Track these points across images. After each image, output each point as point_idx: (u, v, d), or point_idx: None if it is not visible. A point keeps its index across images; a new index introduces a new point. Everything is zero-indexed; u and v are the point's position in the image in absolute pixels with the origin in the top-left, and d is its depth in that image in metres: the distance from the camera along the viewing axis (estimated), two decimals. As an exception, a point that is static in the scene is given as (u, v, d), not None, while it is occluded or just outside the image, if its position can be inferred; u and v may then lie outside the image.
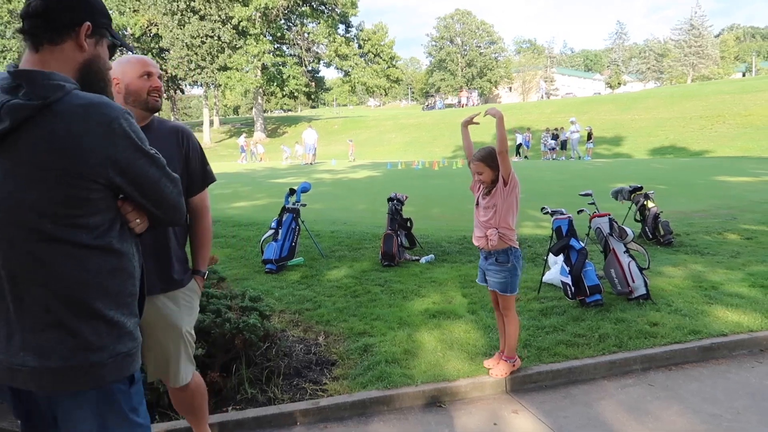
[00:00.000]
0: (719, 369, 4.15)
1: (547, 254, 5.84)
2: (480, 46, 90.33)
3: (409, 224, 7.33)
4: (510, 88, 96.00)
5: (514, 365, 3.94)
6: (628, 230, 5.59)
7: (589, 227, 5.86)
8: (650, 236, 7.70)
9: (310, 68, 55.75)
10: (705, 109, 37.08)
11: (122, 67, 2.59)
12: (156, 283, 2.52)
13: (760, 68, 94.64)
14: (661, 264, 6.48)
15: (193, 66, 48.13)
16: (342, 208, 11.71)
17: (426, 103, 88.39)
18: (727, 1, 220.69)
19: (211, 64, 47.97)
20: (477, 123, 4.16)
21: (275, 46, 52.40)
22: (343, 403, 3.64)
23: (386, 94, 70.58)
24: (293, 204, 7.31)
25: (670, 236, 7.54)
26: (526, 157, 31.18)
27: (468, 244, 7.72)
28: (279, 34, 51.78)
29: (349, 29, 55.86)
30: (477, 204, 3.99)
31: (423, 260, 6.98)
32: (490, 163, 3.88)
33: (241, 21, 46.18)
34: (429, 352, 4.30)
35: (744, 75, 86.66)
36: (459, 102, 79.22)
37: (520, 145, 31.59)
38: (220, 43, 47.32)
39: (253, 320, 3.91)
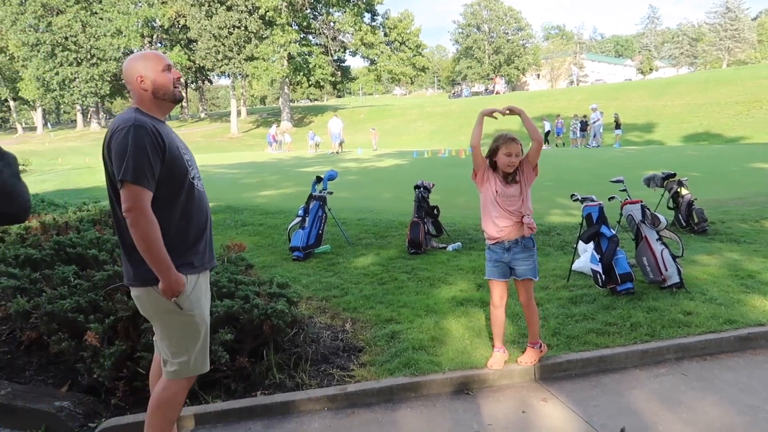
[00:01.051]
0: (756, 359, 4.04)
1: (577, 242, 5.75)
2: (507, 33, 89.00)
3: (435, 212, 7.28)
4: (538, 75, 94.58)
5: (541, 350, 3.90)
6: (662, 217, 5.46)
7: (621, 214, 5.75)
8: (684, 224, 7.51)
9: (335, 57, 55.75)
10: (741, 95, 36.00)
11: (143, 64, 2.58)
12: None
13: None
14: (695, 252, 6.32)
15: (220, 56, 48.52)
16: (368, 197, 11.70)
17: (452, 91, 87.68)
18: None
19: (238, 54, 48.30)
20: (496, 117, 4.05)
21: (301, 36, 52.49)
22: (370, 389, 3.64)
23: (412, 83, 70.17)
24: (320, 192, 7.32)
25: (704, 224, 7.35)
26: (556, 144, 30.66)
27: (495, 232, 7.65)
28: (305, 24, 51.85)
29: (375, 18, 55.58)
30: (495, 193, 3.77)
31: (450, 248, 6.94)
32: (521, 147, 3.79)
33: (267, 11, 46.33)
34: (456, 340, 4.27)
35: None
36: (487, 89, 78.44)
37: (549, 132, 31.11)
38: (246, 33, 47.60)
39: (281, 306, 3.94)
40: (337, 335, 4.52)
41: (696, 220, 7.36)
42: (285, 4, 47.44)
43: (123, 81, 2.72)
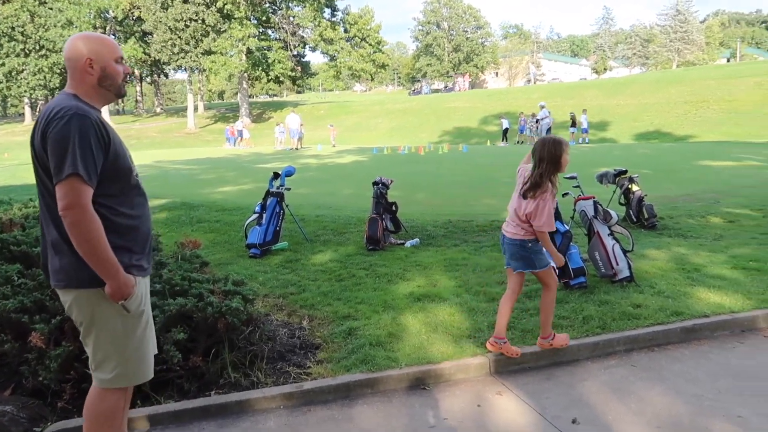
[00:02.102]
0: (701, 350, 4.19)
1: (532, 237, 5.83)
2: (467, 31, 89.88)
3: (394, 208, 7.29)
4: (497, 74, 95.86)
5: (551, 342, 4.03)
6: (613, 213, 5.60)
7: (574, 210, 5.87)
8: (634, 219, 7.74)
9: (295, 52, 55.16)
10: (690, 95, 37.33)
11: (96, 47, 2.37)
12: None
13: (745, 54, 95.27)
14: (645, 247, 6.52)
15: (176, 50, 47.36)
16: (327, 193, 11.65)
17: (413, 88, 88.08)
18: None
19: (195, 48, 47.28)
20: None
21: (260, 30, 51.75)
22: (327, 386, 3.62)
23: (372, 79, 70.03)
24: (277, 188, 7.23)
25: (654, 219, 7.59)
26: (517, 142, 31.09)
27: (453, 228, 7.73)
28: (264, 18, 51.10)
29: (335, 13, 55.23)
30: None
31: (408, 244, 6.96)
32: None
33: (225, 4, 45.46)
34: (413, 335, 4.29)
35: (728, 61, 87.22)
36: (447, 87, 79.13)
37: (507, 129, 31.58)
38: (204, 26, 46.60)
39: (236, 304, 3.87)
40: (294, 332, 4.48)
41: (646, 216, 7.59)
42: (243, -3, 46.70)
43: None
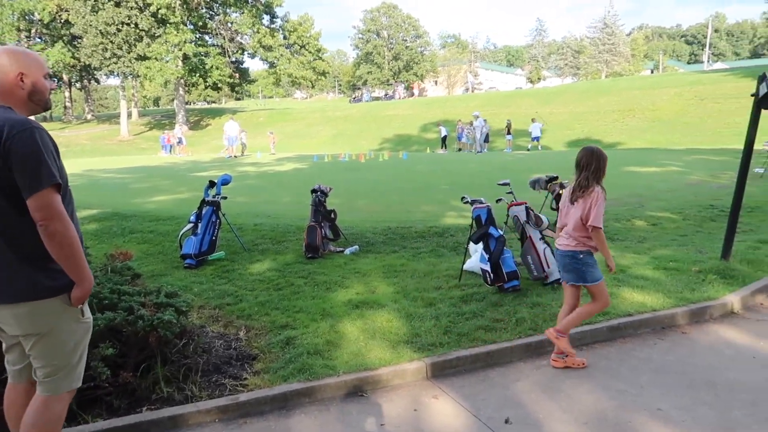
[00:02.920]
0: (626, 347, 4.40)
1: (468, 243, 5.98)
2: (406, 40, 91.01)
3: (333, 216, 7.29)
4: (436, 82, 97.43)
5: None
6: (544, 218, 5.81)
7: (507, 215, 6.04)
8: (565, 224, 8.02)
9: (234, 59, 54.26)
10: (617, 104, 39.10)
11: (26, 61, 2.43)
12: None
13: (667, 66, 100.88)
14: (574, 250, 6.77)
15: (108, 55, 45.61)
16: (266, 201, 11.51)
17: (353, 96, 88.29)
18: (637, 1, 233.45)
19: (129, 53, 45.69)
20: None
21: (197, 36, 50.55)
22: (263, 397, 3.58)
23: (313, 87, 69.67)
24: (213, 196, 7.10)
25: (583, 223, 7.89)
26: (459, 149, 31.59)
27: (392, 235, 7.80)
28: (201, 23, 49.97)
29: (274, 20, 54.73)
30: None
31: (347, 251, 6.97)
32: None
33: (159, 8, 44.22)
34: (351, 342, 4.30)
35: (652, 72, 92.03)
36: (387, 94, 79.82)
37: (445, 137, 32.14)
38: (137, 31, 45.11)
39: (169, 316, 3.77)
40: (230, 344, 4.41)
41: (576, 220, 7.88)
42: (179, 2, 45.54)
43: None
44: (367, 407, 3.60)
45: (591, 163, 3.93)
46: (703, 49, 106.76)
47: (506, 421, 3.36)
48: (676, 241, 7.27)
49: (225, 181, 7.43)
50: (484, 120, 29.46)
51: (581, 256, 3.96)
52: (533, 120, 30.73)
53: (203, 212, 6.83)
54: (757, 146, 10.43)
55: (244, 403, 3.53)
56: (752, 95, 5.61)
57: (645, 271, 5.85)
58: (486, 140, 29.86)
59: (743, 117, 5.76)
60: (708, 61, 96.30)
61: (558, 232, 4.17)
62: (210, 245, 6.67)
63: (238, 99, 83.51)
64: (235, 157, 28.76)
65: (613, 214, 9.05)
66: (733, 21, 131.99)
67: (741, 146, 5.98)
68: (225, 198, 7.27)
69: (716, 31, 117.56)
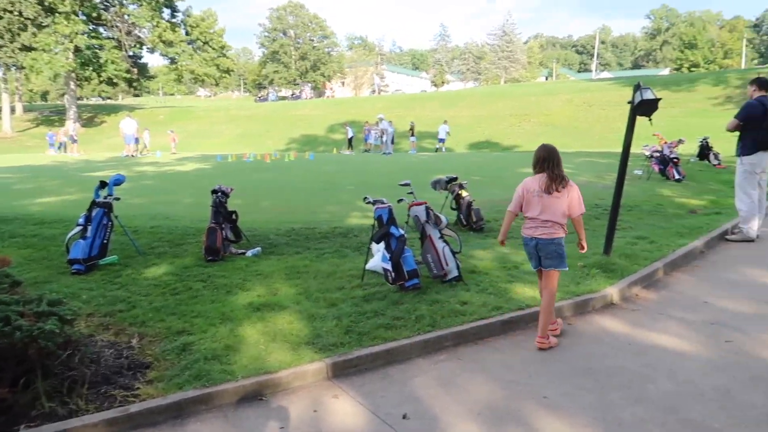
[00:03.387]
0: (517, 339, 4.63)
1: (370, 242, 6.05)
2: (313, 40, 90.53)
3: (234, 217, 7.12)
4: (343, 83, 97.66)
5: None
6: (443, 217, 6.00)
7: (408, 215, 6.17)
8: (464, 223, 8.34)
9: (131, 53, 51.49)
10: (515, 109, 41.09)
11: None
12: None
13: (560, 74, 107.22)
14: (472, 248, 7.05)
15: (-13, 43, 41.91)
16: (165, 202, 11.03)
17: (259, 95, 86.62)
18: (533, 11, 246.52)
19: (11, 42, 42.13)
20: None
21: (90, 27, 47.46)
22: (156, 407, 3.44)
23: (217, 84, 67.60)
24: (105, 198, 6.71)
25: (481, 222, 8.23)
26: (366, 150, 31.78)
27: (296, 236, 7.74)
28: (95, 14, 46.95)
29: (175, 14, 52.50)
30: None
31: (249, 253, 6.84)
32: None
33: (46, -4, 41.17)
34: (251, 346, 4.23)
35: (546, 79, 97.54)
36: (293, 94, 79.03)
37: (352, 138, 32.32)
38: (21, 19, 41.66)
39: (51, 326, 3.54)
40: (121, 353, 4.20)
41: (474, 219, 8.22)
42: (69, -10, 42.55)
43: None
44: (266, 411, 3.56)
45: (554, 158, 4.42)
46: (591, 59, 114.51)
47: (404, 417, 3.44)
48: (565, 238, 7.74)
49: (118, 182, 7.04)
50: (389, 122, 29.98)
51: (562, 242, 4.43)
52: (445, 122, 31.67)
53: (93, 214, 6.44)
54: (636, 150, 11.33)
55: (135, 414, 3.38)
56: (629, 102, 6.09)
57: (536, 267, 6.17)
58: (393, 142, 30.35)
59: (625, 123, 6.24)
60: (596, 71, 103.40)
61: (530, 223, 4.50)
62: (101, 249, 6.31)
63: (137, 95, 79.38)
64: (133, 156, 27.33)
65: (510, 214, 9.48)
66: (617, 34, 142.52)
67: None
68: (118, 199, 6.89)
69: (603, 42, 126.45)
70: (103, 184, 6.89)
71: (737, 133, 7.53)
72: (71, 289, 5.46)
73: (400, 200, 6.31)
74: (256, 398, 3.70)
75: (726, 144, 16.70)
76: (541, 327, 4.42)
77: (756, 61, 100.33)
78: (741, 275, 6.17)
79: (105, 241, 6.40)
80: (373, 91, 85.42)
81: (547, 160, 4.42)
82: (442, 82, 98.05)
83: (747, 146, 7.42)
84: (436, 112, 42.95)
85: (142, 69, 54.50)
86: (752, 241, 7.49)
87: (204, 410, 3.55)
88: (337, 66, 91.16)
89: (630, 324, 4.90)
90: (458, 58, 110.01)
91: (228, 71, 59.48)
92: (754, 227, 7.51)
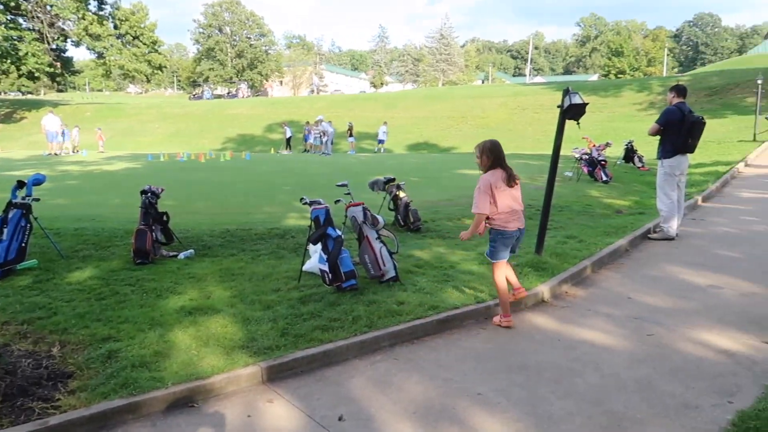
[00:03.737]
0: (452, 338, 4.70)
1: (307, 243, 5.99)
2: (250, 38, 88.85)
3: (165, 218, 6.88)
4: (281, 82, 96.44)
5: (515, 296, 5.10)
6: (380, 218, 6.01)
7: (346, 216, 6.15)
8: (402, 223, 8.39)
9: (54, 46, 48.97)
10: (452, 111, 41.79)
11: None
12: None
13: (495, 77, 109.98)
14: (410, 248, 7.10)
15: None
16: (92, 203, 10.54)
17: (193, 93, 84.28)
18: (470, 15, 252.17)
19: None
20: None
21: (8, 18, 44.80)
22: (78, 419, 3.27)
23: (149, 81, 65.27)
24: (23, 198, 6.33)
25: (418, 223, 8.31)
26: (306, 150, 31.41)
27: (231, 238, 7.56)
28: (12, 4, 44.32)
29: (103, 6, 50.39)
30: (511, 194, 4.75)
31: (181, 256, 6.63)
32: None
33: (-42, -18, 38.56)
34: (183, 351, 4.09)
35: (483, 82, 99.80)
36: (229, 93, 77.37)
37: (290, 138, 31.96)
38: (-72, 6, 38.92)
39: (-41, 336, 3.29)
40: (40, 362, 3.96)
41: (412, 220, 8.28)
42: (-17, -23, 40.02)
43: None
44: (197, 418, 3.45)
45: (503, 153, 4.77)
46: (525, 64, 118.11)
47: (339, 419, 3.42)
48: (499, 238, 7.92)
49: (37, 181, 6.66)
50: (329, 122, 29.88)
51: None
52: (385, 123, 31.84)
53: (9, 216, 6.06)
54: (567, 152, 11.73)
55: (54, 426, 3.19)
56: (558, 107, 6.30)
57: (471, 266, 6.29)
58: (332, 142, 30.21)
59: (556, 126, 6.45)
60: (529, 75, 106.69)
61: (511, 216, 4.78)
62: (18, 253, 5.94)
63: (60, 90, 75.55)
64: (56, 154, 25.99)
65: (447, 214, 9.63)
66: (550, 40, 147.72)
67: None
68: (37, 200, 6.51)
69: (536, 48, 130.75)
70: (21, 184, 6.50)
71: (658, 137, 7.94)
72: (-15, 296, 5.12)
73: (337, 201, 6.28)
74: (187, 405, 3.58)
75: (649, 147, 17.59)
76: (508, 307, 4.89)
77: (676, 69, 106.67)
78: (662, 272, 6.50)
79: (23, 245, 6.04)
80: (312, 91, 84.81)
81: (500, 156, 4.73)
82: (382, 84, 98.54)
83: (667, 150, 7.83)
84: (376, 113, 43.11)
85: (67, 63, 51.98)
86: (672, 239, 7.91)
87: (131, 419, 3.40)
88: (275, 65, 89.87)
89: (560, 320, 5.06)
90: (397, 60, 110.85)
91: (160, 67, 57.65)
92: (673, 226, 7.93)
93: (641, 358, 4.22)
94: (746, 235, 8.17)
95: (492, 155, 4.70)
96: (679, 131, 7.64)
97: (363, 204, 6.02)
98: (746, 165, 16.14)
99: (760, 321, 4.85)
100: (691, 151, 7.87)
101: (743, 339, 4.48)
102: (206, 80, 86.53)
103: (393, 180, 8.73)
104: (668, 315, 5.09)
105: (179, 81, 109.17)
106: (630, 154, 17.61)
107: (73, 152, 28.14)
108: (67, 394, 3.57)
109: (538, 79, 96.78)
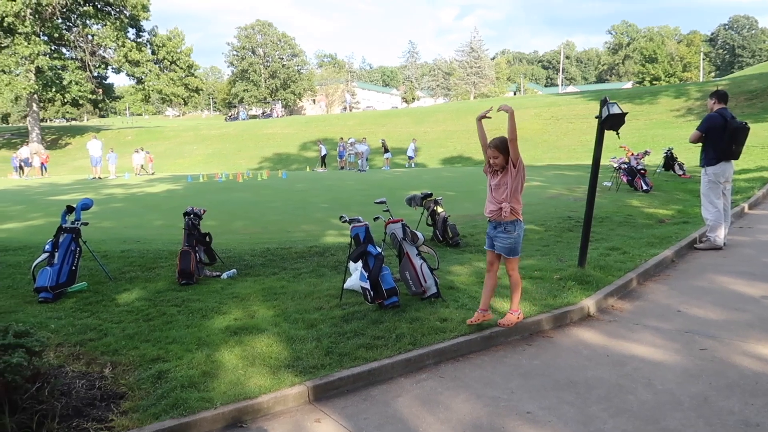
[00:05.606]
0: (498, 355, 4.63)
1: (347, 261, 6.01)
2: (282, 58, 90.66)
3: (208, 239, 7.01)
4: (314, 101, 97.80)
5: (519, 317, 4.87)
6: (419, 234, 6.00)
7: (385, 233, 6.17)
8: (440, 239, 8.36)
9: (96, 74, 50.82)
10: (485, 123, 41.50)
11: None
12: None
13: (527, 88, 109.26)
14: (450, 264, 7.06)
15: (-56, 66, 40.91)
16: (135, 226, 10.83)
17: (229, 114, 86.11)
18: (498, 29, 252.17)
19: (-30, 64, 41.26)
20: (489, 117, 5.03)
21: (52, 48, 46.73)
22: (132, 439, 3.33)
23: (186, 104, 67.04)
24: (72, 223, 6.54)
25: (457, 238, 8.27)
26: (340, 168, 31.71)
27: (271, 257, 7.65)
28: (56, 35, 46.25)
29: (141, 34, 52.15)
30: (489, 183, 4.80)
31: (224, 276, 6.73)
32: (502, 150, 4.73)
33: (6, 17, 40.40)
34: (229, 371, 4.14)
35: (515, 94, 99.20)
36: (264, 113, 78.79)
37: (325, 155, 32.29)
38: (-21, 41, 40.91)
39: (18, 359, 3.40)
40: (93, 383, 4.06)
41: (450, 235, 8.25)
42: (29, 11, 41.83)
43: None
44: (246, 438, 3.47)
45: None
46: (557, 74, 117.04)
47: (388, 438, 3.39)
48: (540, 251, 7.82)
49: (85, 206, 6.88)
50: (363, 140, 30.33)
51: None
52: (414, 140, 32.10)
53: (60, 240, 6.28)
54: (605, 162, 11.52)
55: (109, 447, 3.26)
56: (596, 117, 6.21)
57: (513, 281, 6.20)
58: (367, 160, 30.47)
59: (592, 135, 6.37)
60: (562, 85, 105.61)
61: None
62: (69, 276, 6.14)
63: (102, 116, 78.26)
64: (100, 178, 26.84)
65: (484, 228, 9.51)
66: (581, 49, 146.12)
67: (591, 162, 6.58)
68: (86, 224, 6.72)
69: (567, 57, 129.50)
70: (70, 209, 6.73)
71: (700, 144, 7.75)
72: (39, 319, 5.29)
73: (376, 218, 6.30)
74: (237, 425, 3.61)
75: (690, 154, 17.16)
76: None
77: (713, 74, 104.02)
78: (710, 283, 6.30)
79: (73, 268, 6.24)
80: (345, 108, 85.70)
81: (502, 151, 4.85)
82: (413, 99, 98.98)
83: (710, 157, 7.63)
84: (408, 128, 43.26)
85: (108, 89, 53.84)
86: (720, 249, 7.67)
87: (182, 440, 3.45)
88: (308, 84, 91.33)
89: (607, 335, 4.94)
90: (428, 75, 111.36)
91: (197, 90, 59.17)
92: (720, 235, 7.70)
93: (695, 373, 4.08)
94: (799, 242, 7.87)
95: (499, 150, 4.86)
96: (721, 138, 7.44)
97: (402, 220, 6.03)
98: (794, 169, 15.59)
99: (821, 333, 4.65)
100: (736, 157, 7.66)
101: (804, 353, 4.30)
102: (241, 101, 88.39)
103: (430, 195, 8.72)
104: (721, 328, 4.92)
105: (215, 103, 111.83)
106: (670, 161, 17.21)
107: (112, 176, 28.95)
108: (120, 415, 3.64)
109: (571, 88, 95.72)
